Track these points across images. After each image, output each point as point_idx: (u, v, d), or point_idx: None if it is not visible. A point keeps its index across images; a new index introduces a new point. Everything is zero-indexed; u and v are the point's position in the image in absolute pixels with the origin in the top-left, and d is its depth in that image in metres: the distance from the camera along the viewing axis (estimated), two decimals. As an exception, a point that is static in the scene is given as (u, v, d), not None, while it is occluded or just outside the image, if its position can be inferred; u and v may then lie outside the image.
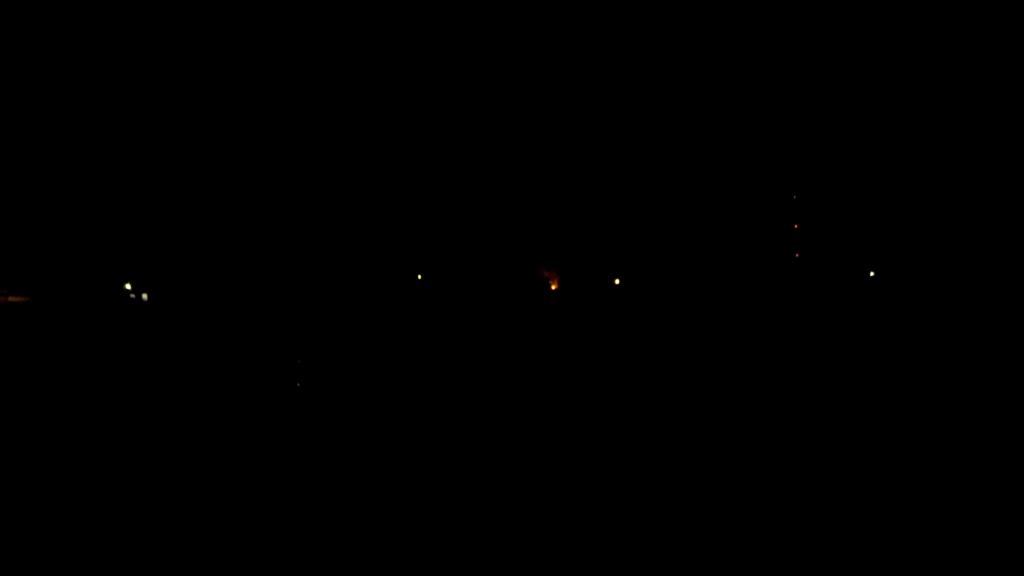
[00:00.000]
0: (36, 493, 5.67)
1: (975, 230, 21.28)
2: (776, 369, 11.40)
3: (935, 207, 21.72)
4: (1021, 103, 20.85)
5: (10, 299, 20.18)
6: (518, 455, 6.61)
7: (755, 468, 6.18)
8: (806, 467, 6.18)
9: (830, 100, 22.05)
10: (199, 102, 21.96)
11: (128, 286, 21.73)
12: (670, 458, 6.48)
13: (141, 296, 21.56)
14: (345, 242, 22.27)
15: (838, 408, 8.46)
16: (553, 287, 22.87)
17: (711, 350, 13.39)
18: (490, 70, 22.00)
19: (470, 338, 15.35)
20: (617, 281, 22.98)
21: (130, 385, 10.17)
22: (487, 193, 22.70)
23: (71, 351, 13.64)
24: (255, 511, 5.27)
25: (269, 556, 4.54)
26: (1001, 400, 8.55)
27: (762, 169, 22.62)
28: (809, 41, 21.68)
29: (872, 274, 22.01)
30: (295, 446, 6.95)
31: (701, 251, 22.79)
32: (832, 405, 8.59)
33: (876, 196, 22.16)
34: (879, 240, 22.10)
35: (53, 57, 20.95)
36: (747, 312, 19.25)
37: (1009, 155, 21.10)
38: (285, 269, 21.98)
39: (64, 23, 20.81)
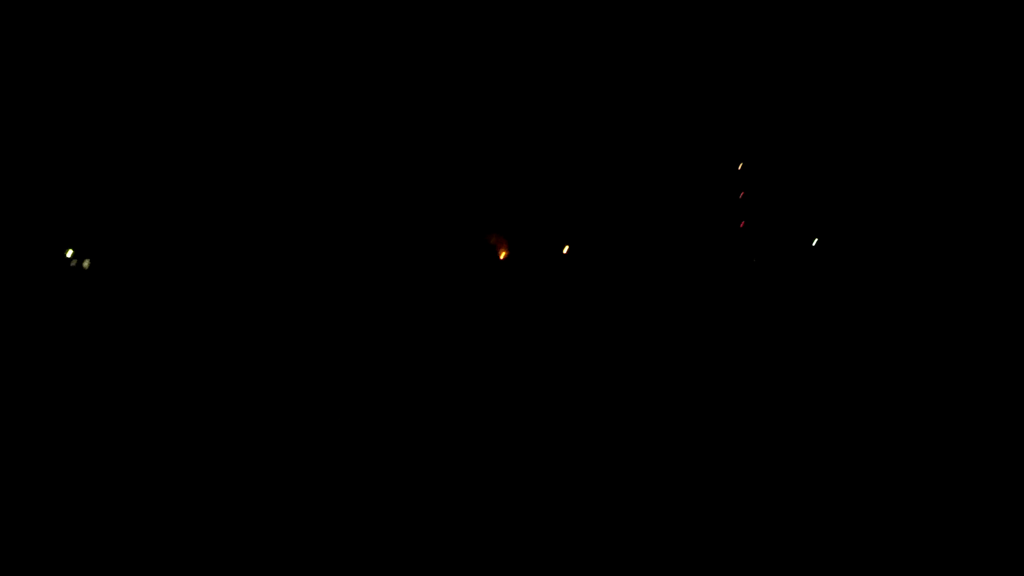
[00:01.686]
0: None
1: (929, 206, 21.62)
2: (731, 342, 11.46)
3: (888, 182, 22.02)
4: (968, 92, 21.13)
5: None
6: (474, 441, 6.61)
7: (711, 450, 6.12)
8: (764, 448, 6.11)
9: (774, 74, 22.17)
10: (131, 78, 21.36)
11: (70, 253, 21.31)
12: (628, 441, 6.47)
13: (83, 264, 21.16)
14: (284, 213, 21.98)
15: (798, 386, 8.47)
16: (502, 255, 22.86)
17: (666, 323, 13.50)
18: (421, 36, 21.66)
19: (415, 314, 15.32)
20: (566, 249, 23.07)
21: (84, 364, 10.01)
22: (430, 158, 22.52)
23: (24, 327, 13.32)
24: (217, 507, 5.23)
25: (241, 555, 4.49)
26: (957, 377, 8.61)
27: (712, 139, 22.73)
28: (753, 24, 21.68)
29: (815, 242, 22.37)
30: (236, 431, 6.92)
31: (652, 220, 22.92)
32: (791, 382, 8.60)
33: (823, 167, 22.40)
34: (826, 211, 22.37)
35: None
36: (698, 281, 19.31)
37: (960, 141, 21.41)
38: (211, 238, 21.63)
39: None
